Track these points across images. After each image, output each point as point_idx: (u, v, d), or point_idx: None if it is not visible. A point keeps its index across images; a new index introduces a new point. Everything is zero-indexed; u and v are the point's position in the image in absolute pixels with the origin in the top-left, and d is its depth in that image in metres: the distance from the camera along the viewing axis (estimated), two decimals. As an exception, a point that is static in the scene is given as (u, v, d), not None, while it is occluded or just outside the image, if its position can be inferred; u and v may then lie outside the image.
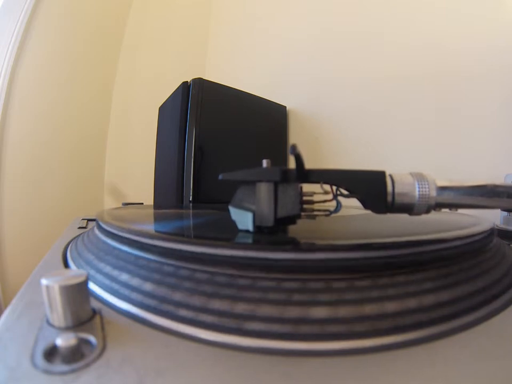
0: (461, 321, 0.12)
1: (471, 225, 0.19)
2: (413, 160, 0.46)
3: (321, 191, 0.16)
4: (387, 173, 0.15)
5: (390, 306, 0.11)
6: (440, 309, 0.12)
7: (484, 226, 0.18)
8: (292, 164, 0.15)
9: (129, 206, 0.42)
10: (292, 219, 0.17)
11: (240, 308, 0.11)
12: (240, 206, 0.17)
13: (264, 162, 0.16)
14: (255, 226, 0.16)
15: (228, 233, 0.18)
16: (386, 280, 0.12)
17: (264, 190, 0.16)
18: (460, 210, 0.16)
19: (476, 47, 0.40)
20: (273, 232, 0.16)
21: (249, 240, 0.16)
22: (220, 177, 0.17)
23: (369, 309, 0.11)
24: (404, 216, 0.16)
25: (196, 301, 0.12)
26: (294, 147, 0.14)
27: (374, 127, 0.51)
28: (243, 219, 0.17)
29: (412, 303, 0.12)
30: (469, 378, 0.09)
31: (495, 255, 0.17)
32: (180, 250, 0.14)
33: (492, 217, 0.22)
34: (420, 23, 0.46)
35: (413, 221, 0.21)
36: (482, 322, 0.12)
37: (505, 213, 0.31)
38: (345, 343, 0.10)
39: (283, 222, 0.16)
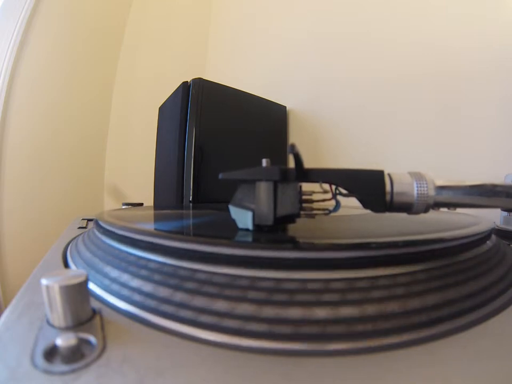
0: (461, 321, 0.12)
1: (471, 225, 0.19)
2: (413, 160, 0.46)
3: (320, 190, 0.16)
4: (386, 173, 0.15)
5: (390, 307, 0.11)
6: (440, 309, 0.12)
7: (484, 226, 0.18)
8: (291, 163, 0.15)
9: (129, 207, 0.42)
10: (291, 218, 0.17)
11: (241, 308, 0.11)
12: (240, 205, 0.17)
13: (264, 162, 0.16)
14: (254, 225, 0.16)
15: (228, 232, 0.18)
16: (385, 281, 0.12)
17: (263, 189, 0.16)
18: (460, 210, 0.16)
19: (476, 47, 0.40)
20: (272, 230, 0.16)
21: (249, 239, 0.16)
22: (220, 176, 0.17)
23: (369, 309, 0.11)
24: (403, 216, 0.16)
25: (196, 301, 0.12)
26: (292, 146, 0.14)
27: (374, 127, 0.51)
28: (243, 218, 0.17)
29: (411, 303, 0.12)
30: (468, 378, 0.09)
31: (495, 255, 0.17)
32: (180, 249, 0.14)
33: (492, 217, 0.22)
34: (420, 23, 0.46)
35: (412, 220, 0.21)
36: (482, 322, 0.12)
37: (505, 213, 0.31)
38: (345, 344, 0.10)
39: (282, 221, 0.16)
